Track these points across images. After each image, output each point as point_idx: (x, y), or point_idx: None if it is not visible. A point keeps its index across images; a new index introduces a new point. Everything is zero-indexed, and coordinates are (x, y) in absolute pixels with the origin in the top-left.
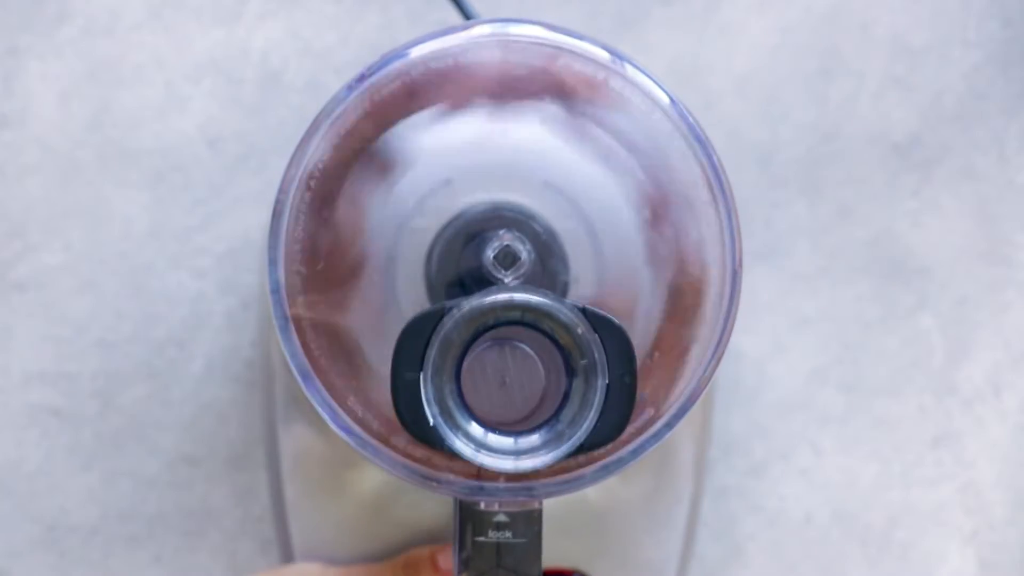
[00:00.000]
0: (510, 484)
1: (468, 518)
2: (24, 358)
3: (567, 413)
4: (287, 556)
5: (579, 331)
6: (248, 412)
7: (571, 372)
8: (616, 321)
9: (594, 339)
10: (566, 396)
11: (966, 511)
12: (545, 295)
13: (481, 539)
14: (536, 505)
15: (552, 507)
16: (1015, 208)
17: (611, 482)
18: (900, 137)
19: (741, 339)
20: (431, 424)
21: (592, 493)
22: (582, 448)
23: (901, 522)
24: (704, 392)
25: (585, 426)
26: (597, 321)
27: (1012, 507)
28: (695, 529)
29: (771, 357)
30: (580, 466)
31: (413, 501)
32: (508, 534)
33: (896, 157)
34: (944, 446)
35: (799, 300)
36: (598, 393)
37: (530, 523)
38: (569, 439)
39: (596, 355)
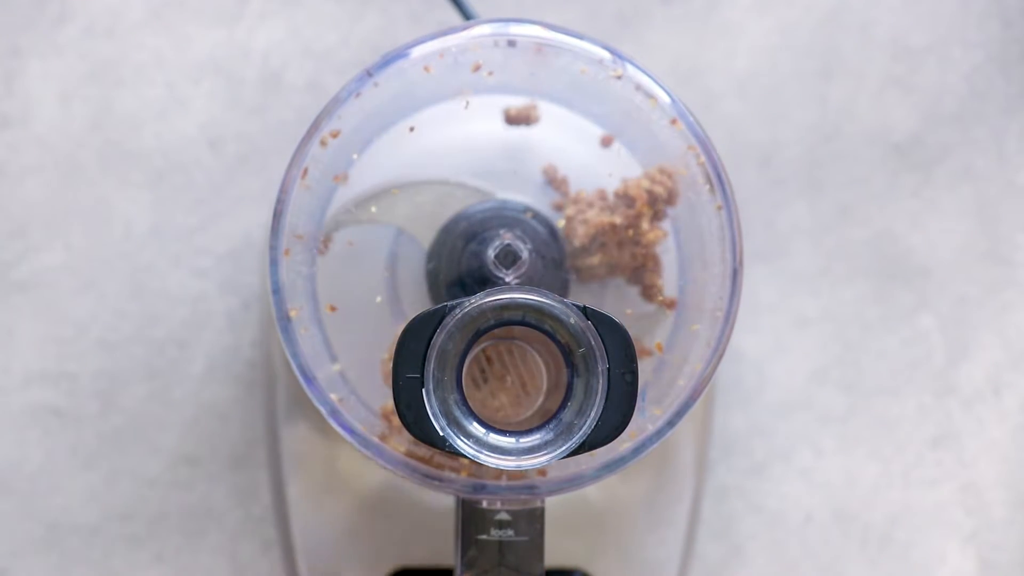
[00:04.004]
0: (512, 482)
1: (470, 517)
2: (25, 358)
3: (571, 408)
4: (288, 556)
5: (572, 321)
6: (249, 412)
7: (572, 366)
8: (616, 319)
9: (588, 327)
10: (569, 390)
11: (966, 511)
12: (543, 294)
13: (483, 537)
14: (538, 503)
15: (553, 506)
16: (1015, 208)
17: (612, 481)
18: (900, 137)
19: (741, 339)
20: (440, 433)
21: (593, 492)
22: (584, 446)
23: (901, 522)
24: (704, 391)
25: (590, 418)
26: (598, 320)
27: (1012, 507)
28: (695, 529)
29: (771, 357)
30: (581, 465)
31: (414, 501)
32: (510, 532)
33: (896, 157)
34: (944, 446)
35: (799, 300)
36: (600, 381)
37: (532, 521)
38: (576, 433)
39: (592, 342)
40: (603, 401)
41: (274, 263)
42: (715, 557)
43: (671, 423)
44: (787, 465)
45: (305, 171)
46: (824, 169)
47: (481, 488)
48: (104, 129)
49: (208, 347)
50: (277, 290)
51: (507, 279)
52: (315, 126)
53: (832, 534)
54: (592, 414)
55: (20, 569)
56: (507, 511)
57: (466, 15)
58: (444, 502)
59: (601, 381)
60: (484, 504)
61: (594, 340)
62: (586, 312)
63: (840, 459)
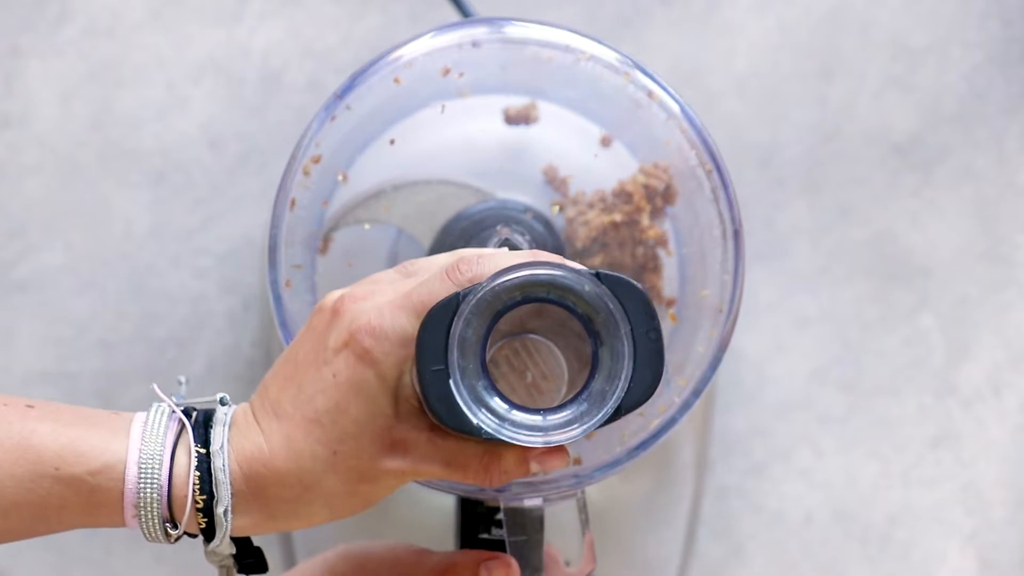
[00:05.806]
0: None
1: (469, 516)
2: (25, 358)
3: (600, 377)
4: (288, 555)
5: (587, 288)
6: None
7: (594, 335)
8: (631, 279)
9: (604, 291)
10: (595, 360)
11: (966, 511)
12: (554, 267)
13: (484, 537)
14: (539, 503)
15: (553, 505)
16: (1015, 208)
17: (612, 481)
18: (900, 137)
19: (741, 339)
20: (474, 421)
21: (593, 492)
22: (620, 411)
23: (901, 522)
24: (705, 391)
25: (621, 380)
26: (613, 282)
27: (1012, 507)
28: (696, 528)
29: (771, 357)
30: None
31: (414, 500)
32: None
33: (896, 157)
34: (944, 446)
35: (799, 300)
36: (625, 344)
37: (532, 521)
38: (609, 399)
39: (611, 306)
40: (632, 362)
41: (277, 298)
42: (715, 557)
43: (671, 423)
44: (787, 465)
45: (311, 162)
46: (824, 169)
47: (481, 489)
48: (104, 129)
49: (208, 347)
50: (284, 323)
51: None
52: (315, 126)
53: (832, 534)
54: (623, 376)
55: (20, 568)
56: (506, 511)
57: (466, 15)
58: (444, 502)
59: (626, 343)
60: (485, 504)
61: (612, 304)
62: (600, 276)
63: (840, 459)
